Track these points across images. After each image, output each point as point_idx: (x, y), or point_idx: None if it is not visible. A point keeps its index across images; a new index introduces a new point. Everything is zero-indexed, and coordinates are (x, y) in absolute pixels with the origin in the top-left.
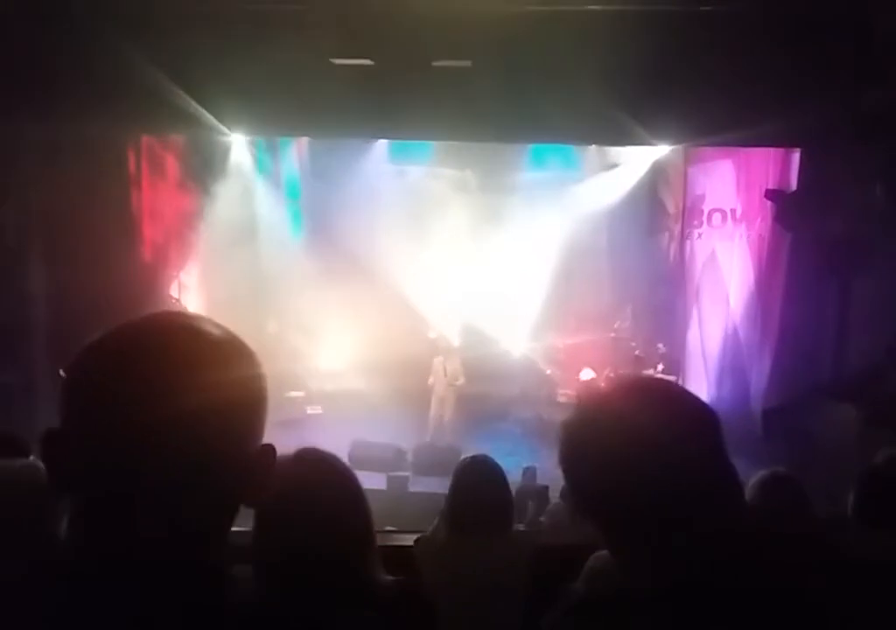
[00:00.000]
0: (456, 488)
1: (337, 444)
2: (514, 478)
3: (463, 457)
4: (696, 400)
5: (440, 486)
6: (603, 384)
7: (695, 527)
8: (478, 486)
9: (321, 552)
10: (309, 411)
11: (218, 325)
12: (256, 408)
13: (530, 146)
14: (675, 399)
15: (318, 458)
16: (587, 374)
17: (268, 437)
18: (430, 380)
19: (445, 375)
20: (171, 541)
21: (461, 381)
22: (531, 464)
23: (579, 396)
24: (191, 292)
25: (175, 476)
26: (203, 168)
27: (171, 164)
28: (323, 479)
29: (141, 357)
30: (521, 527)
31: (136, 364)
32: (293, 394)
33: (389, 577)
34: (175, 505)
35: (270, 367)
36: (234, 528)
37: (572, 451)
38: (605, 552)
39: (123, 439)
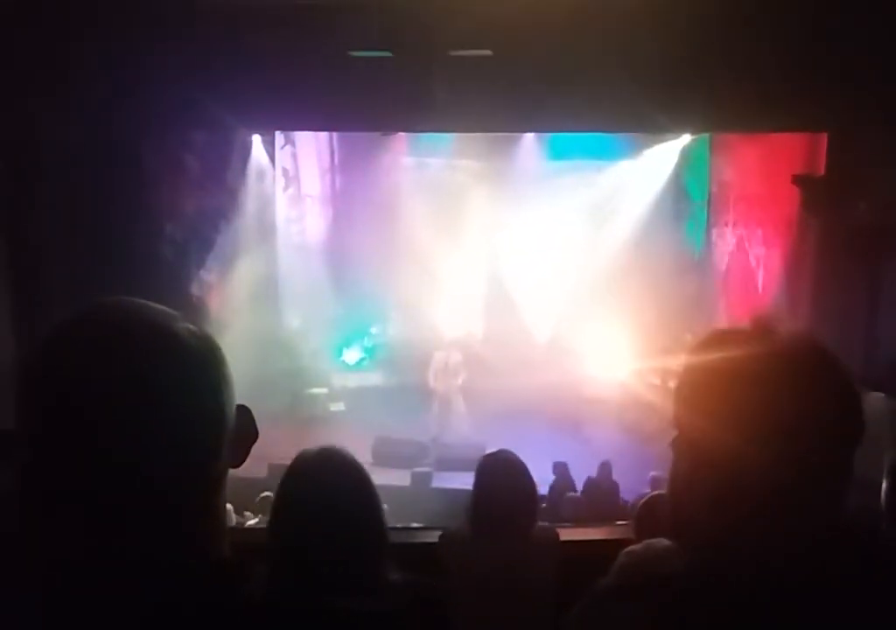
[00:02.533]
0: (478, 484)
1: (360, 440)
2: (543, 474)
3: (486, 452)
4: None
5: (464, 481)
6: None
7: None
8: (500, 481)
9: (333, 546)
10: (332, 408)
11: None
12: (217, 371)
13: (552, 135)
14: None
15: (339, 456)
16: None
17: (291, 434)
18: (430, 375)
19: (446, 371)
20: (169, 527)
21: (462, 376)
22: (560, 460)
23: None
24: (212, 290)
25: (157, 459)
26: (222, 165)
27: (191, 162)
28: (342, 474)
29: (106, 352)
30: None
31: (101, 358)
32: (316, 390)
33: (401, 577)
34: (163, 490)
35: (294, 364)
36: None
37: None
38: (636, 547)
39: (97, 433)
